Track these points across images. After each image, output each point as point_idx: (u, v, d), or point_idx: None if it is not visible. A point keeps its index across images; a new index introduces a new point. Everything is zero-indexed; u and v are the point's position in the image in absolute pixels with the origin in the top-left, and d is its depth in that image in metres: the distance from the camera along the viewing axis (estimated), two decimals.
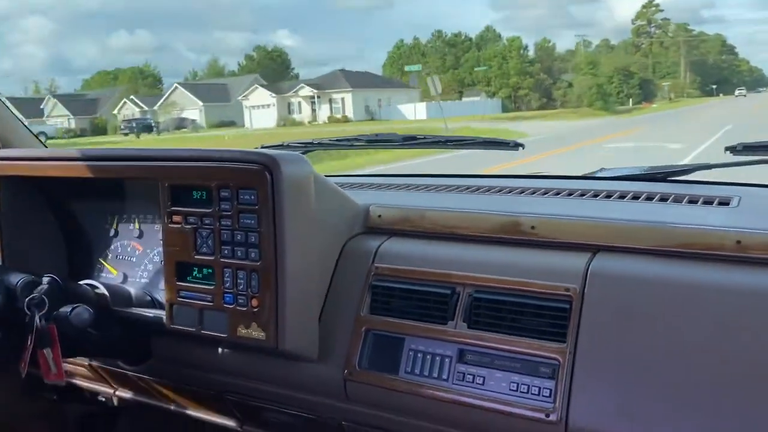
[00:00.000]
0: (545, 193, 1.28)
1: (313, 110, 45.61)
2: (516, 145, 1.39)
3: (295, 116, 45.85)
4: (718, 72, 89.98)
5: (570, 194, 1.26)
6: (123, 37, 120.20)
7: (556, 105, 57.13)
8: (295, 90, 46.72)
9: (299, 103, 46.55)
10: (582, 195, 1.25)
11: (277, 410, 1.25)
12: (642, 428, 0.87)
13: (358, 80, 47.01)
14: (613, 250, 1.01)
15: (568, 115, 37.97)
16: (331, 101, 45.79)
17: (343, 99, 45.37)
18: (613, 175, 1.46)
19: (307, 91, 45.92)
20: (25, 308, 1.07)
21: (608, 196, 1.23)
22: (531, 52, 64.96)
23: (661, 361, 0.88)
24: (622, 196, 1.22)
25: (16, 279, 1.09)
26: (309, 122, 43.87)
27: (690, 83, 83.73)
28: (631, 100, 58.40)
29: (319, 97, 45.50)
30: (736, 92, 69.72)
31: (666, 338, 0.88)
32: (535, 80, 61.08)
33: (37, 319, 1.07)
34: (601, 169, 1.50)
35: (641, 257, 0.99)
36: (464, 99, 57.08)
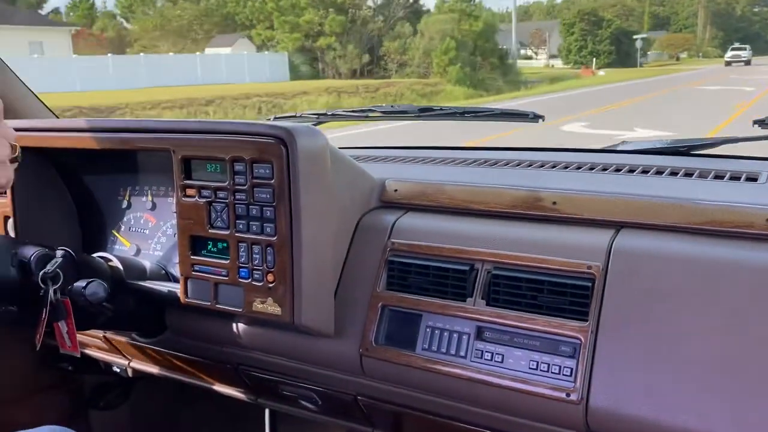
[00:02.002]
0: (566, 167, 1.25)
1: None
2: (536, 117, 1.36)
3: None
4: (747, 26, 70.66)
5: (591, 168, 1.23)
6: None
7: (388, 71, 30.85)
8: None
9: None
10: (604, 169, 1.22)
11: (293, 384, 1.24)
12: (666, 409, 0.85)
13: None
14: (638, 226, 0.98)
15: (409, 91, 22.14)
16: None
17: None
18: (634, 149, 1.42)
19: None
20: (40, 282, 1.06)
21: (631, 171, 1.20)
22: None
23: (686, 341, 0.86)
24: (645, 171, 1.19)
25: (30, 252, 1.08)
26: None
27: (710, 39, 68.15)
28: (594, 61, 44.06)
29: None
30: (728, 55, 44.57)
31: (692, 317, 0.86)
32: (348, 20, 31.48)
33: (51, 292, 1.07)
34: (623, 142, 1.47)
35: (666, 234, 0.96)
36: (207, 49, 32.71)
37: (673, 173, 1.17)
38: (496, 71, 30.08)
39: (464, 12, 31.56)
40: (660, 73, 34.68)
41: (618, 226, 0.99)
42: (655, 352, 0.88)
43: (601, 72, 37.93)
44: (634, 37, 47.38)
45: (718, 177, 1.13)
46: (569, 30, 49.97)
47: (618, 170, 1.21)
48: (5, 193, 1.32)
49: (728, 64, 42.63)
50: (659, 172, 1.17)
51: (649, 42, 60.07)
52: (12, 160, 0.82)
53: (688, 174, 1.15)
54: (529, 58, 56.72)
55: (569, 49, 49.45)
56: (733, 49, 46.26)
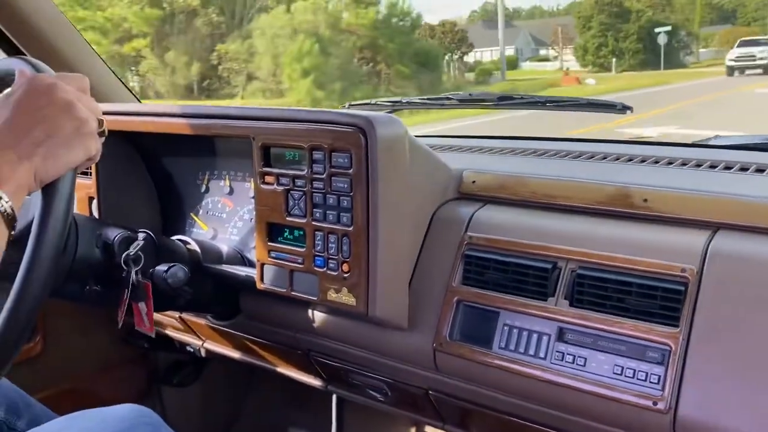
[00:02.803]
0: (656, 162, 1.18)
1: None
2: (624, 108, 1.29)
3: None
4: None
5: (684, 164, 1.16)
6: None
7: (235, 86, 20.44)
8: None
9: None
10: (698, 165, 1.15)
11: (363, 374, 1.24)
12: (762, 427, 0.80)
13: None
14: (737, 228, 0.92)
15: None
16: None
17: None
18: (729, 144, 1.34)
19: None
20: (122, 264, 1.09)
21: (728, 168, 1.12)
22: None
23: None
24: (743, 169, 1.11)
25: (114, 234, 1.11)
26: None
27: None
28: (615, 63, 35.74)
29: None
30: (734, 55, 26.51)
31: None
32: (167, 14, 20.61)
33: (133, 274, 1.09)
34: (716, 137, 1.38)
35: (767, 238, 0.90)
36: None
37: None
38: (411, 82, 19.57)
39: None
40: (699, 76, 25.77)
41: (715, 228, 0.93)
42: (751, 363, 0.82)
43: (591, 81, 25.10)
44: (657, 30, 35.27)
45: None
46: (586, 24, 40.19)
47: (713, 167, 1.13)
48: (90, 174, 1.37)
49: (731, 72, 25.51)
50: (759, 170, 1.10)
51: (699, 38, 51.46)
52: (100, 134, 0.83)
53: None
54: (546, 59, 48.56)
55: (585, 48, 39.44)
56: (742, 44, 26.13)
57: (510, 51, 48.23)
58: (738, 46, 26.77)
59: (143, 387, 1.84)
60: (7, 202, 0.72)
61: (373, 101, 1.66)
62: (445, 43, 36.58)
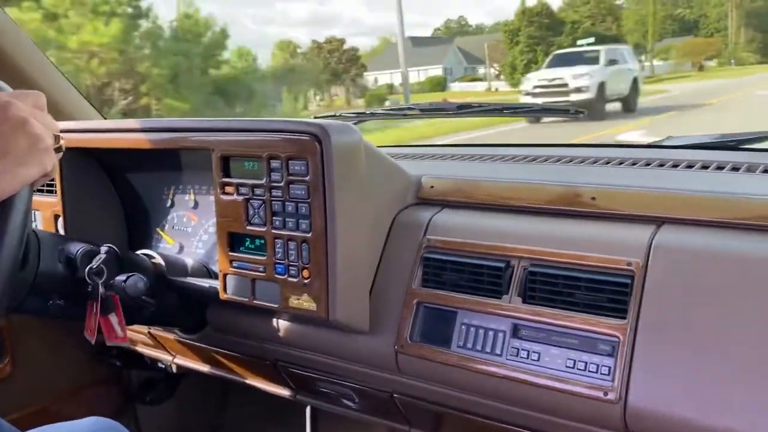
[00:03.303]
0: (607, 163, 1.22)
1: None
2: (577, 112, 1.33)
3: None
4: None
5: (634, 164, 1.20)
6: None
7: None
8: None
9: None
10: (647, 164, 1.18)
11: (330, 381, 1.25)
12: (708, 410, 0.82)
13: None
14: (680, 222, 0.95)
15: None
16: None
17: None
18: (680, 144, 1.38)
19: None
20: (87, 277, 1.10)
21: (675, 166, 1.16)
22: None
23: (731, 342, 0.82)
24: (690, 166, 1.15)
25: (76, 249, 1.12)
26: None
27: (746, 43, 52.92)
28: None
29: None
30: (535, 79, 14.64)
31: (738, 317, 0.83)
32: None
33: (100, 287, 1.10)
34: (668, 137, 1.42)
35: (710, 230, 0.93)
36: None
37: (720, 167, 1.13)
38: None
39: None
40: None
41: (659, 222, 0.96)
42: (696, 352, 0.84)
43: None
44: (579, 42, 28.22)
45: None
46: (513, 39, 35.57)
47: (661, 165, 1.17)
48: (55, 191, 1.37)
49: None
50: (705, 167, 1.14)
51: (651, 50, 47.49)
52: (56, 150, 0.85)
53: (735, 168, 1.11)
54: (479, 79, 42.88)
55: (514, 66, 34.48)
56: (555, 62, 16.30)
57: (438, 71, 44.69)
58: (547, 66, 16.50)
59: (117, 406, 1.83)
60: None
61: (339, 113, 1.69)
62: (331, 63, 32.91)
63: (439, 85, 40.25)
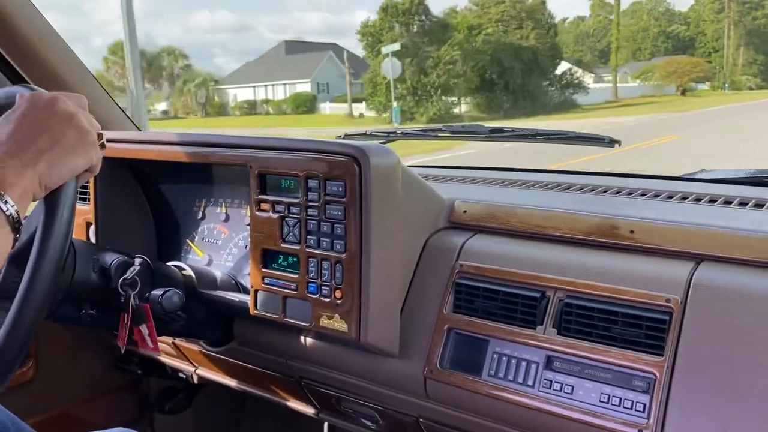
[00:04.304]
0: (643, 195, 1.21)
1: None
2: (612, 142, 1.33)
3: None
4: None
5: (670, 197, 1.19)
6: (205, 16, 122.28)
7: None
8: None
9: None
10: (684, 198, 1.17)
11: (354, 401, 1.24)
12: None
13: None
14: (719, 260, 0.94)
15: None
16: None
17: None
18: (714, 177, 1.37)
19: None
20: (120, 288, 1.10)
21: (712, 201, 1.15)
22: None
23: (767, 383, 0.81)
24: (727, 202, 1.14)
25: (110, 259, 1.12)
26: None
27: (745, 65, 48.12)
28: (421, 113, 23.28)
29: None
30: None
31: None
32: None
33: (132, 298, 1.11)
34: (702, 170, 1.41)
35: (750, 270, 0.92)
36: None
37: (758, 205, 1.11)
38: None
39: None
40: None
41: (698, 259, 0.95)
42: (734, 393, 0.83)
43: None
44: (384, 49, 20.57)
45: None
46: (374, 47, 25.21)
47: (698, 200, 1.16)
48: (88, 200, 1.39)
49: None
50: (743, 203, 1.13)
51: (642, 71, 42.64)
52: (100, 146, 0.87)
53: None
54: (359, 99, 31.05)
55: (375, 83, 25.02)
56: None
57: (306, 87, 35.51)
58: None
59: (135, 413, 1.83)
60: (12, 206, 0.75)
61: (368, 131, 1.70)
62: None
63: (305, 104, 32.33)
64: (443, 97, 24.49)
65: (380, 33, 25.13)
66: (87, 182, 1.39)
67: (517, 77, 25.61)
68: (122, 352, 1.15)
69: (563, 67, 32.89)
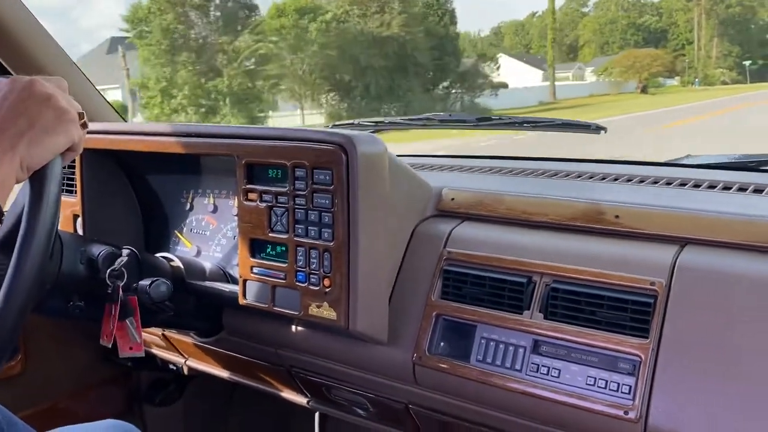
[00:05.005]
0: (629, 180, 1.22)
1: None
2: (597, 128, 1.33)
3: None
4: None
5: (655, 182, 1.20)
6: None
7: None
8: None
9: None
10: (668, 183, 1.19)
11: (344, 389, 1.25)
12: None
13: None
14: (703, 243, 0.96)
15: None
16: None
17: None
18: (700, 163, 1.38)
19: None
20: (107, 279, 1.10)
21: (696, 186, 1.16)
22: None
23: (753, 365, 0.83)
24: (711, 186, 1.16)
25: (98, 250, 1.12)
26: None
27: (719, 58, 44.50)
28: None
29: None
30: None
31: (760, 341, 0.83)
32: None
33: (120, 290, 1.10)
34: (687, 156, 1.43)
35: (733, 252, 0.93)
36: None
37: (742, 189, 1.13)
38: None
39: None
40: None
41: (683, 242, 0.96)
42: (718, 374, 0.85)
43: None
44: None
45: None
46: (142, 36, 19.65)
47: (683, 185, 1.17)
48: (75, 192, 1.38)
49: None
50: (727, 188, 1.14)
51: (604, 66, 37.46)
52: (82, 125, 0.86)
53: (758, 190, 1.11)
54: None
55: (145, 85, 19.73)
56: None
57: (118, 93, 23.45)
58: None
59: (125, 405, 1.83)
60: None
61: (356, 122, 1.70)
62: None
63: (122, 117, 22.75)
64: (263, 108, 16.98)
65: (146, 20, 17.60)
66: (73, 175, 1.38)
67: (382, 79, 18.70)
68: (109, 346, 1.15)
69: (465, 66, 27.56)
